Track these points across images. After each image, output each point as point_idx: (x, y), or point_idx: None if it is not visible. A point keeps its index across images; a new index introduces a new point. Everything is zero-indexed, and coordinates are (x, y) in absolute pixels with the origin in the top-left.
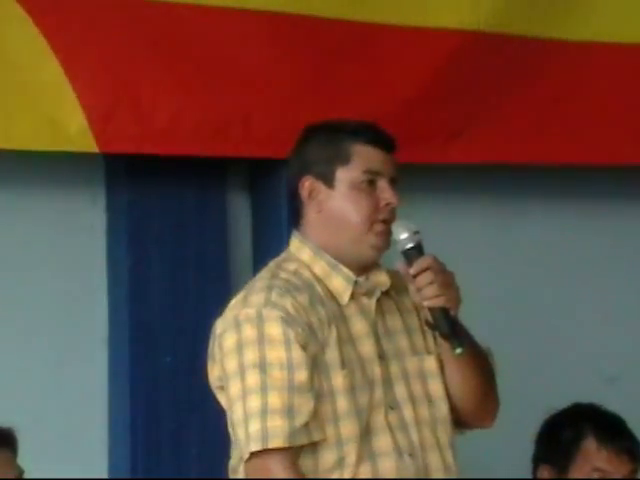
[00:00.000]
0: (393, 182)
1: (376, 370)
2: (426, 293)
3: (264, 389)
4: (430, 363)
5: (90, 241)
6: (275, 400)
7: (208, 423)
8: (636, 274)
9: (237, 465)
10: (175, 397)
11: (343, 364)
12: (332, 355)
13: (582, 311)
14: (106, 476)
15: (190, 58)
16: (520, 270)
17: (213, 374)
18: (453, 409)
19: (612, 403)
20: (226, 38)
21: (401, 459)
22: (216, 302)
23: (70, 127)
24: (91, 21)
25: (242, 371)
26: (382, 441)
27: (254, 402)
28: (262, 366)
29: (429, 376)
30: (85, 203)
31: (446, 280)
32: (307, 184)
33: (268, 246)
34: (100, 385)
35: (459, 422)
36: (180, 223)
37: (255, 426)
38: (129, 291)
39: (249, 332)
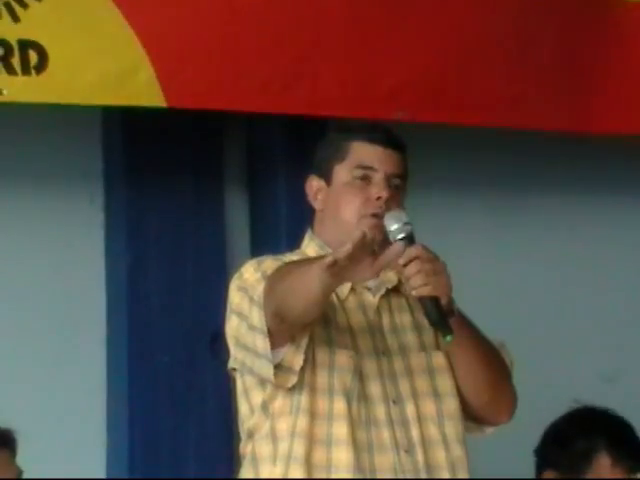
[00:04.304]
0: (393, 178)
1: (370, 365)
2: (413, 282)
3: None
4: (438, 359)
5: (88, 239)
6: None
7: (206, 422)
8: (636, 273)
9: (245, 443)
10: (173, 396)
11: (329, 343)
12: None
13: (581, 310)
14: (104, 476)
15: (258, 12)
16: (519, 269)
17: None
18: (466, 404)
19: (611, 403)
20: None
21: (397, 455)
22: (214, 301)
23: (137, 81)
24: None
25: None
26: (382, 435)
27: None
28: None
29: (437, 372)
30: (83, 201)
31: (434, 269)
32: (312, 183)
33: (266, 244)
34: (98, 384)
35: (475, 418)
36: (178, 222)
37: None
38: (127, 290)
39: (268, 261)
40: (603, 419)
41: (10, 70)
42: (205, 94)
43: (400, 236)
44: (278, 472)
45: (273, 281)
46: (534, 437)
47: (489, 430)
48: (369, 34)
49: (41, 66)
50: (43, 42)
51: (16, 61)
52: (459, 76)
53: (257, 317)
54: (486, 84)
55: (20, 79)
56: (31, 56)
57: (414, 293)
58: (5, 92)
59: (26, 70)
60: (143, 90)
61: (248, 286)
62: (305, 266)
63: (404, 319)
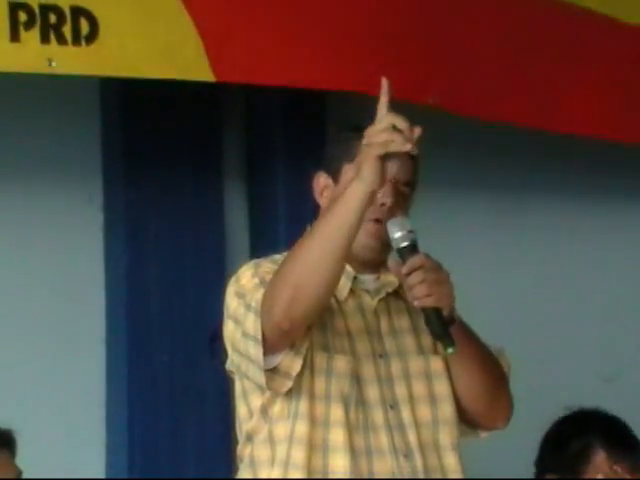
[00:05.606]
0: (401, 185)
1: (367, 368)
2: (416, 292)
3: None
4: (436, 364)
5: (87, 239)
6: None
7: (205, 422)
8: (635, 274)
9: (244, 445)
10: (172, 396)
11: (327, 348)
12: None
13: (581, 311)
14: (103, 475)
15: None
16: (519, 270)
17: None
18: (462, 410)
19: (610, 403)
20: None
21: (397, 460)
22: (213, 300)
23: (185, 54)
24: None
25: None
26: (380, 440)
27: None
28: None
29: (435, 376)
30: (82, 201)
31: (438, 279)
32: (320, 180)
33: (266, 243)
34: (98, 384)
35: (472, 423)
36: (177, 221)
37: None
38: (126, 289)
39: (266, 265)
40: (595, 418)
41: (61, 39)
42: (253, 69)
43: (404, 244)
44: (276, 476)
45: (276, 277)
46: (533, 437)
47: (483, 434)
48: (404, 16)
49: (92, 36)
50: (94, 10)
51: (67, 30)
52: (498, 68)
53: (252, 324)
54: (525, 83)
55: (70, 49)
56: (82, 25)
57: (417, 303)
58: (54, 64)
59: (77, 40)
60: (191, 64)
61: (246, 292)
62: (317, 225)
63: (402, 322)
